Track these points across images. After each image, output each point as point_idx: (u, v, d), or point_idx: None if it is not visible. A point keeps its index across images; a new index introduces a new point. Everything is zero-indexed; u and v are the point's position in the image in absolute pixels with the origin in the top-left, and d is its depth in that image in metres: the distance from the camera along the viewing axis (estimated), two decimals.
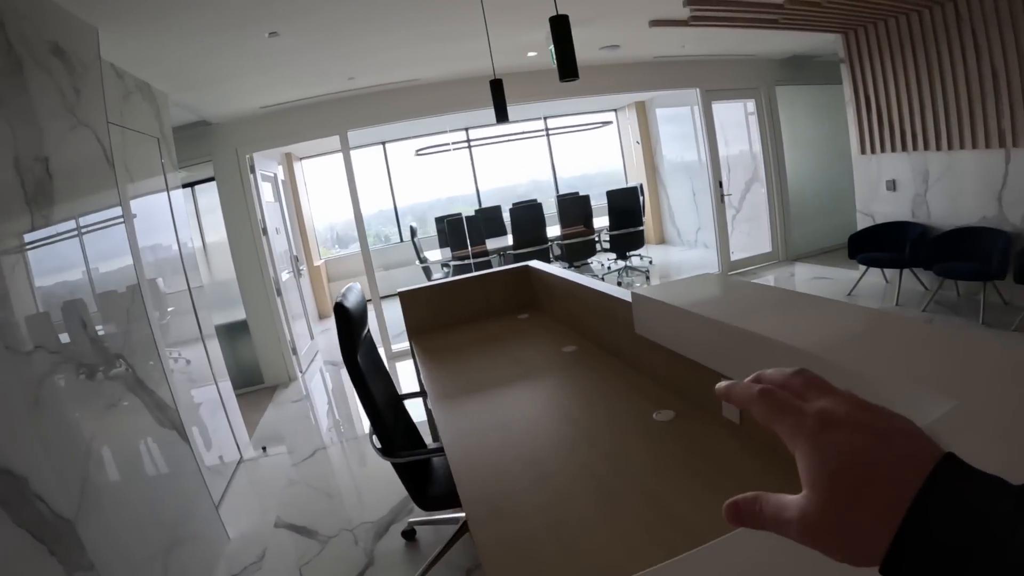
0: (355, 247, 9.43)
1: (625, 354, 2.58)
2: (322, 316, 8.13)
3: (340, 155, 5.68)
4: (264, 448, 4.12)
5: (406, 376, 5.28)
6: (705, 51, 6.72)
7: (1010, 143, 4.79)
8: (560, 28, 2.13)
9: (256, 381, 5.52)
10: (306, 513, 3.29)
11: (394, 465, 2.21)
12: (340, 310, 2.08)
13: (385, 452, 2.15)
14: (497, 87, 3.51)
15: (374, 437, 2.29)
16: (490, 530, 1.48)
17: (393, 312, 5.81)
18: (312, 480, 3.67)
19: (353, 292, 2.32)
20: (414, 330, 3.56)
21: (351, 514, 3.22)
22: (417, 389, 3.80)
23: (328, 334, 7.33)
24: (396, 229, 9.10)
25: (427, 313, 3.60)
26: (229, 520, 3.13)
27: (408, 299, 3.59)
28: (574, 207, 7.94)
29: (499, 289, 3.78)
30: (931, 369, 1.26)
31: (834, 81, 8.49)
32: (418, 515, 3.07)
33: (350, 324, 2.10)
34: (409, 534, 2.95)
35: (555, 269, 3.63)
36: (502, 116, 3.56)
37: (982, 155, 5.07)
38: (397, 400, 2.68)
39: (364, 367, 2.17)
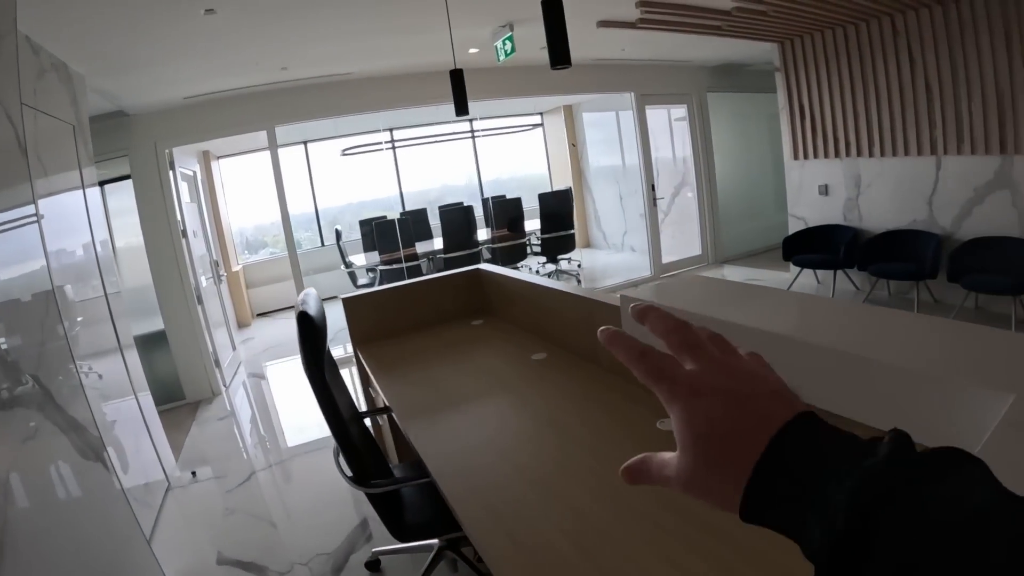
0: (265, 253, 8.97)
1: (606, 360, 2.44)
2: (241, 325, 7.63)
3: (258, 154, 5.33)
4: (193, 473, 3.68)
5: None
6: (642, 55, 6.73)
7: (941, 151, 4.97)
8: (553, 12, 1.96)
9: (176, 397, 5.01)
10: (250, 546, 2.92)
11: (369, 495, 1.95)
12: (304, 319, 1.81)
13: (358, 480, 1.89)
14: (457, 78, 3.30)
15: (342, 462, 2.03)
16: (513, 563, 1.31)
17: (328, 316, 5.52)
18: (252, 507, 3.28)
19: (313, 298, 2.05)
20: (360, 339, 3.31)
21: (302, 545, 2.87)
22: (362, 403, 3.59)
23: (249, 344, 6.86)
24: (316, 232, 8.65)
25: (373, 320, 3.36)
26: (164, 558, 2.73)
27: (352, 305, 3.34)
28: (505, 210, 7.79)
29: (449, 294, 3.59)
30: (967, 361, 1.28)
31: (763, 89, 8.76)
32: (380, 543, 2.79)
33: (315, 334, 1.84)
34: (373, 565, 2.66)
35: (515, 273, 3.47)
36: (462, 109, 3.35)
37: (914, 162, 5.24)
38: (360, 419, 2.41)
39: (329, 383, 1.91)
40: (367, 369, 2.85)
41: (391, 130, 8.12)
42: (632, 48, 6.10)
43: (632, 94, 7.50)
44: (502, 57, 4.53)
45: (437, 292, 3.54)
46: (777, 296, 2.15)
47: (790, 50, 6.04)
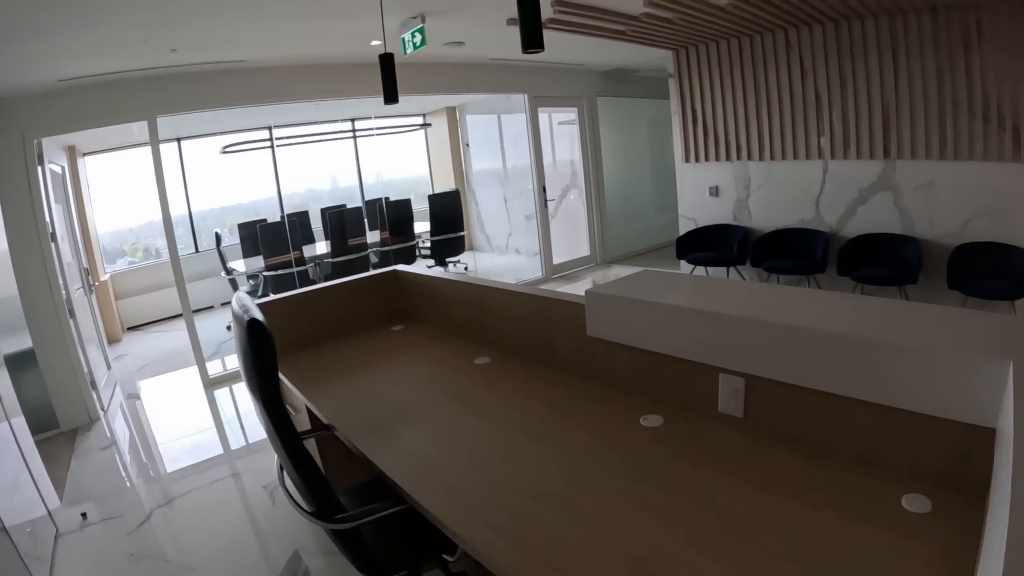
0: (125, 263, 8.18)
1: (563, 361, 2.36)
2: (112, 340, 6.87)
3: (127, 152, 4.78)
4: (84, 515, 3.17)
5: (242, 409, 4.55)
6: (540, 57, 6.72)
7: (828, 156, 5.31)
8: None
9: (50, 425, 4.33)
10: None
11: (333, 532, 1.72)
12: (256, 330, 1.52)
13: (322, 515, 1.66)
14: (387, 63, 3.08)
15: (295, 494, 1.80)
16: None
17: (205, 329, 5.06)
18: (161, 550, 2.84)
19: (253, 304, 1.77)
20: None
21: None
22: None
23: (123, 362, 6.18)
24: (190, 237, 7.94)
25: (283, 330, 3.03)
26: None
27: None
28: (394, 212, 7.54)
29: (364, 298, 3.38)
30: (956, 336, 1.42)
31: (650, 95, 9.08)
32: None
33: (271, 349, 1.59)
34: None
35: (442, 273, 3.31)
36: (391, 96, 3.13)
37: (802, 165, 5.56)
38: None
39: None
40: (286, 383, 2.59)
41: (270, 128, 7.61)
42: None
43: (526, 96, 7.51)
44: (409, 51, 4.32)
45: (350, 297, 3.32)
46: (750, 287, 2.14)
47: (684, 58, 6.24)
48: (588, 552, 1.27)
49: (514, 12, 4.38)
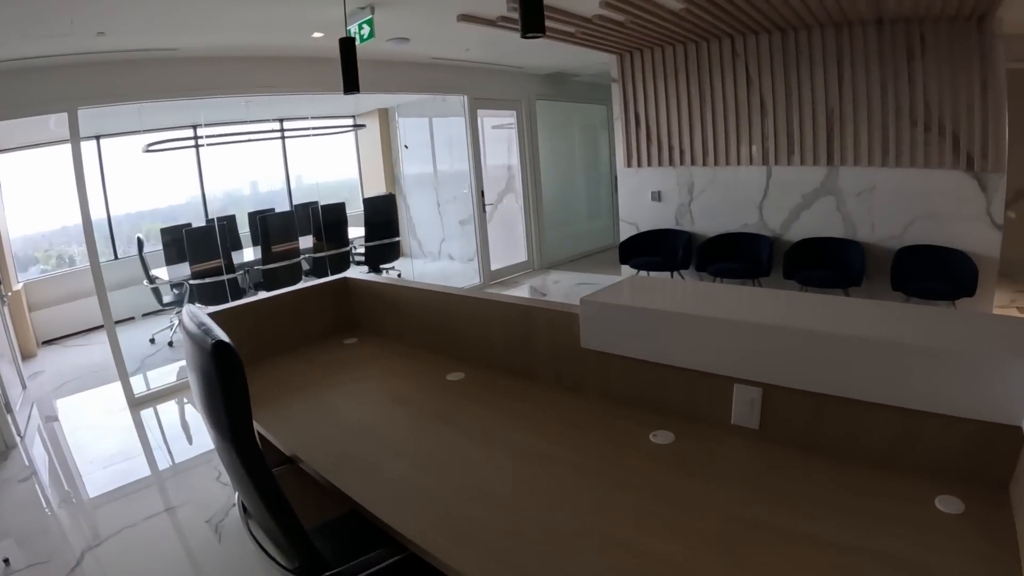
0: (37, 271, 7.49)
1: (550, 375, 2.20)
2: (26, 356, 6.22)
3: (38, 151, 4.30)
4: (6, 560, 2.72)
5: (171, 431, 4.16)
6: (482, 58, 6.57)
7: (772, 161, 5.39)
8: None
9: None
10: None
11: None
12: (224, 353, 1.24)
13: (307, 573, 1.42)
14: (348, 48, 2.84)
15: (268, 549, 1.56)
16: None
17: (127, 342, 4.62)
18: None
19: (208, 318, 1.51)
20: None
21: None
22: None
23: (39, 379, 5.59)
24: (108, 243, 7.31)
25: None
26: None
27: None
28: (327, 216, 7.19)
29: (312, 309, 3.09)
30: (979, 338, 1.45)
31: (589, 100, 9.09)
32: None
33: (243, 378, 1.32)
34: None
35: (404, 281, 3.09)
36: (351, 85, 2.89)
37: (746, 170, 5.63)
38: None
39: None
40: None
41: (195, 127, 7.11)
42: (476, 49, 5.91)
43: (465, 98, 7.33)
44: (357, 44, 4.07)
45: (296, 308, 3.02)
46: (749, 292, 2.05)
47: (628, 62, 6.23)
48: None
49: (466, 8, 4.29)
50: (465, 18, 4.41)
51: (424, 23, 4.65)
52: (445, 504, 1.47)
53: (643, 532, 1.30)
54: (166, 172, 7.54)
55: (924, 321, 1.64)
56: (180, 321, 1.50)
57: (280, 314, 2.94)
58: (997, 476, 1.32)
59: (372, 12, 3.85)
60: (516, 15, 4.18)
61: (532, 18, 1.70)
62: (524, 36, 1.75)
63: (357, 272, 6.84)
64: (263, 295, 3.09)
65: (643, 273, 6.64)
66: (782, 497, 1.39)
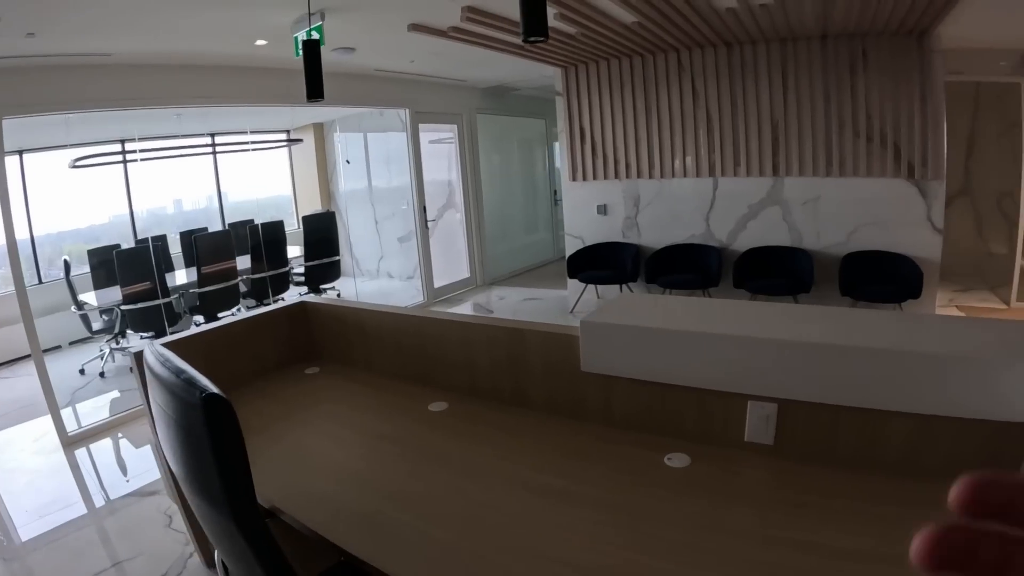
0: None
1: (545, 401, 2.08)
2: None
3: None
4: None
5: (110, 473, 3.80)
6: (427, 70, 6.45)
7: (718, 173, 5.46)
8: None
9: None
10: None
11: None
12: (219, 409, 1.05)
13: None
14: (312, 52, 2.66)
15: None
16: None
17: (54, 374, 4.20)
18: None
19: (179, 360, 1.32)
20: None
21: None
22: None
23: None
24: (33, 265, 6.70)
25: None
26: None
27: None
28: (266, 235, 6.87)
29: (266, 337, 2.84)
30: (986, 343, 1.50)
31: (529, 114, 9.08)
32: None
33: (241, 438, 1.11)
34: None
35: (372, 305, 2.90)
36: (315, 91, 2.71)
37: (692, 182, 5.70)
38: None
39: None
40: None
41: (122, 141, 6.66)
42: (421, 61, 5.78)
43: (407, 111, 7.18)
44: (300, 53, 3.86)
45: (250, 337, 2.77)
46: (765, 308, 1.99)
47: (574, 76, 6.22)
48: None
49: (417, 18, 4.16)
50: (416, 28, 4.29)
51: (373, 32, 4.50)
52: (458, 553, 1.34)
53: (684, 566, 1.22)
54: (92, 189, 7.03)
55: (929, 328, 1.69)
56: (145, 363, 1.30)
57: (233, 344, 2.69)
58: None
59: (322, 18, 3.67)
60: (472, 26, 4.14)
61: (533, 21, 1.59)
62: (525, 41, 1.64)
63: (293, 293, 6.57)
64: (218, 324, 2.83)
65: (592, 287, 6.63)
66: (814, 511, 1.38)
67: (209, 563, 2.51)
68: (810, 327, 1.73)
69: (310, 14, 3.46)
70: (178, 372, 1.17)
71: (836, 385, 1.54)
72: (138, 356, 2.14)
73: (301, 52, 3.46)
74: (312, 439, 2.03)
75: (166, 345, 2.45)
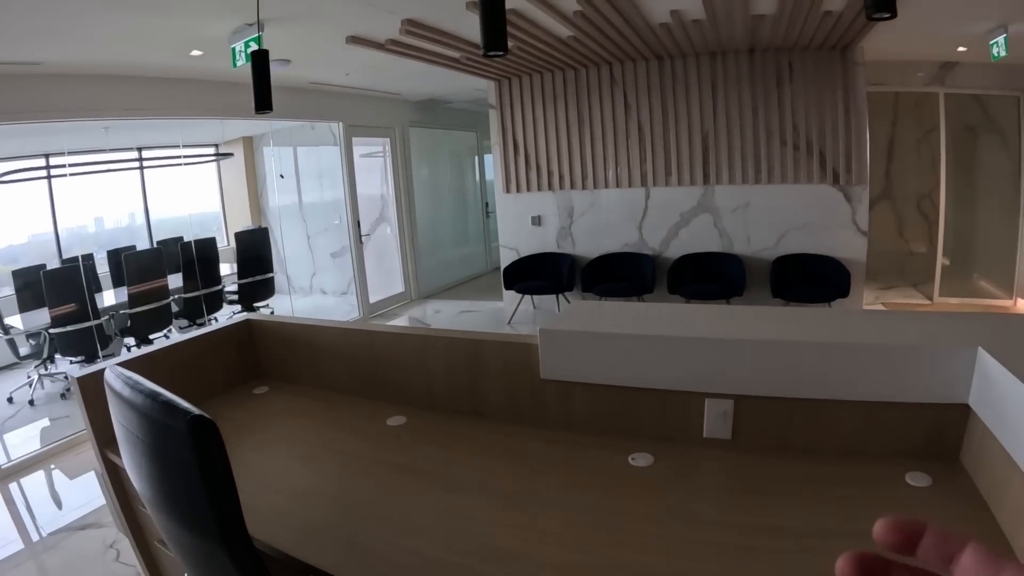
0: None
1: (503, 410, 2.09)
2: None
3: None
4: None
5: (47, 508, 3.58)
6: (361, 83, 6.40)
7: (651, 183, 5.63)
8: None
9: None
10: None
11: None
12: (209, 432, 1.02)
13: None
14: (260, 61, 2.60)
15: None
16: None
17: None
18: None
19: (149, 383, 1.27)
20: (106, 438, 2.13)
21: None
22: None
23: None
24: None
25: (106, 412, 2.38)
26: None
27: (91, 386, 2.26)
28: (197, 252, 6.64)
29: (209, 358, 2.71)
30: (925, 331, 1.67)
31: (457, 126, 9.11)
32: None
33: (228, 464, 1.07)
34: None
35: (318, 320, 2.85)
36: (263, 103, 2.64)
37: (625, 192, 5.84)
38: None
39: None
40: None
41: (47, 155, 6.32)
42: (356, 74, 5.74)
43: (340, 124, 7.11)
44: (240, 62, 3.77)
45: (192, 359, 2.63)
46: (718, 311, 2.06)
47: (507, 88, 6.29)
48: None
49: (355, 30, 4.13)
50: (355, 40, 4.26)
51: (310, 44, 4.44)
52: (436, 565, 1.33)
53: (669, 556, 1.26)
54: (13, 207, 6.64)
55: (867, 322, 1.83)
56: (109, 386, 1.25)
57: (176, 366, 2.57)
58: (953, 449, 1.51)
59: (261, 30, 3.59)
60: (410, 39, 4.14)
61: (494, 36, 1.62)
62: (485, 55, 1.65)
63: (226, 311, 6.37)
64: (158, 347, 2.70)
65: (528, 297, 6.69)
66: (777, 497, 1.46)
67: None
68: (759, 326, 1.83)
69: (258, 23, 3.38)
70: (153, 395, 1.12)
71: (787, 379, 1.63)
72: (84, 380, 2.04)
73: (250, 62, 3.36)
74: (269, 460, 1.96)
75: (93, 375, 2.33)
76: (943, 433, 1.51)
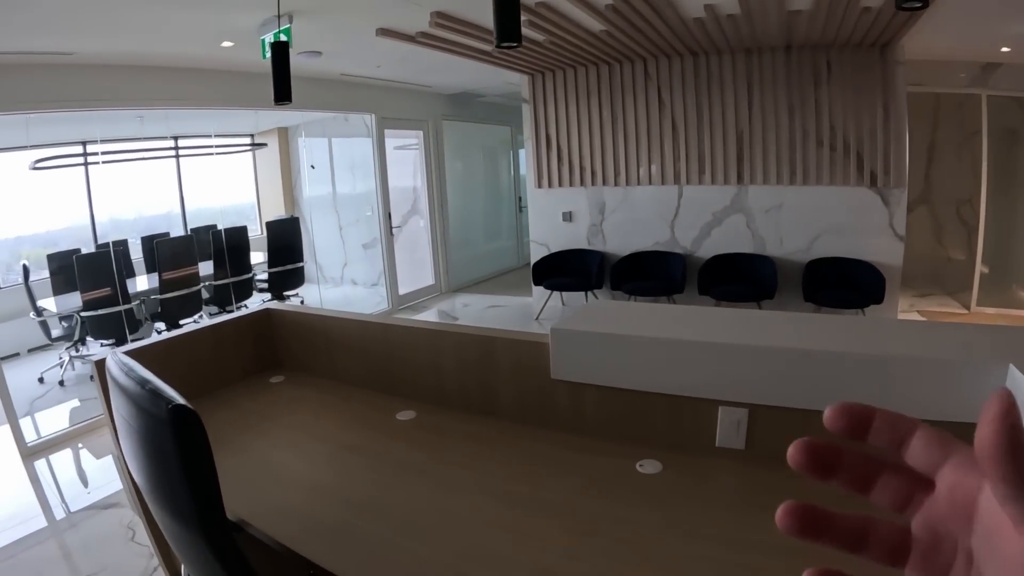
0: None
1: (514, 409, 2.06)
2: None
3: None
4: None
5: (71, 486, 3.67)
6: (393, 76, 6.41)
7: (684, 181, 5.53)
8: None
9: None
10: None
11: None
12: (189, 421, 1.03)
13: None
14: (280, 53, 2.61)
15: None
16: None
17: (12, 383, 4.04)
18: None
19: (144, 369, 1.27)
20: None
21: None
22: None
23: None
24: None
25: None
26: None
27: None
28: (230, 241, 6.73)
29: (229, 346, 2.75)
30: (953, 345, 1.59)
31: (491, 120, 9.08)
32: None
33: (209, 449, 1.08)
34: None
35: (337, 312, 2.85)
36: (283, 94, 2.65)
37: (657, 190, 5.75)
38: None
39: None
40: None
41: (84, 143, 6.48)
42: (387, 66, 5.75)
43: (373, 117, 7.13)
44: (268, 55, 3.79)
45: (213, 345, 2.67)
46: (736, 315, 2.01)
47: (540, 83, 6.24)
48: None
49: (385, 22, 4.13)
50: (384, 32, 4.26)
51: (340, 36, 4.45)
52: (432, 565, 1.31)
53: (663, 568, 1.23)
54: (52, 192, 6.83)
55: (893, 332, 1.75)
56: (108, 373, 1.26)
57: (196, 353, 2.61)
58: None
59: (291, 21, 3.61)
60: (440, 32, 4.12)
61: (508, 26, 1.58)
62: (499, 46, 1.62)
63: (256, 299, 6.45)
64: (178, 332, 2.75)
65: (557, 294, 6.65)
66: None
67: None
68: (778, 332, 1.76)
69: (279, 16, 3.40)
70: (142, 382, 1.13)
71: (805, 389, 1.56)
72: (100, 364, 2.06)
73: (269, 54, 3.42)
74: (279, 451, 1.97)
75: (128, 353, 2.37)
76: None
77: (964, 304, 5.87)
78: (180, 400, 1.05)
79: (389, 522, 1.49)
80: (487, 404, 2.13)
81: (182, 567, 1.52)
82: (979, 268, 5.68)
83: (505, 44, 1.59)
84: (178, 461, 1.03)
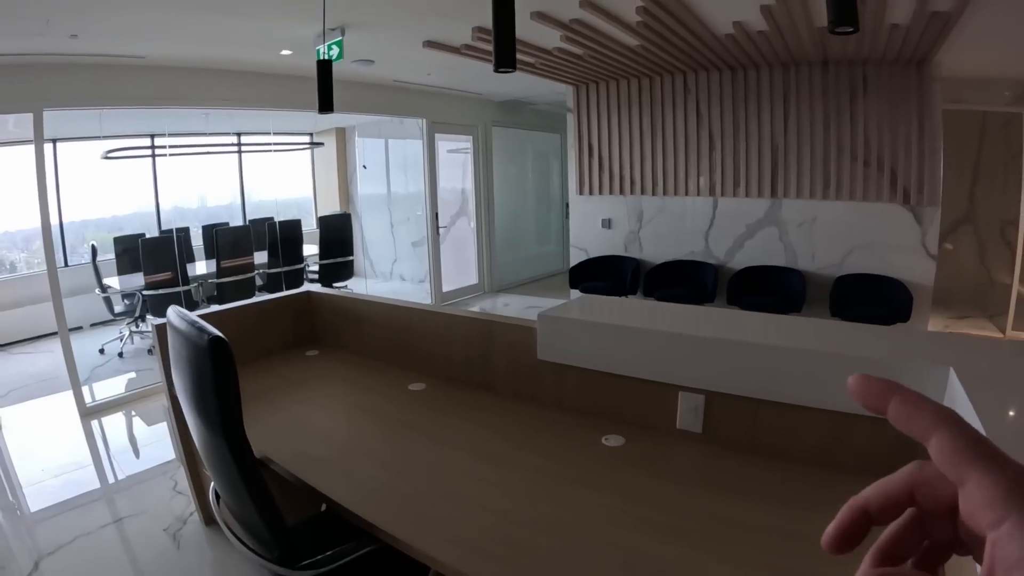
0: None
1: (507, 386, 2.31)
2: None
3: None
4: None
5: (123, 443, 4.07)
6: (443, 83, 6.71)
7: (719, 193, 5.63)
8: (503, 5, 1.76)
9: None
10: None
11: None
12: (220, 348, 1.35)
13: (286, 562, 1.48)
14: (324, 69, 2.94)
15: (239, 535, 1.60)
16: None
17: (76, 352, 4.47)
18: None
19: (193, 315, 1.57)
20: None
21: None
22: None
23: None
24: (61, 249, 7.05)
25: None
26: None
27: (166, 333, 2.70)
28: (284, 233, 7.15)
29: (272, 321, 3.12)
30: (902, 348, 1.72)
31: (541, 128, 9.30)
32: None
33: (235, 371, 1.39)
34: None
35: (365, 295, 3.15)
36: (326, 105, 2.97)
37: (693, 201, 5.87)
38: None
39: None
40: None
41: (152, 136, 7.02)
42: (437, 74, 6.04)
43: (424, 121, 7.45)
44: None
45: (258, 320, 3.05)
46: (694, 310, 2.19)
47: (584, 94, 6.44)
48: (580, 563, 1.26)
49: (431, 35, 4.41)
50: (430, 45, 4.53)
51: (390, 47, 4.75)
52: (416, 501, 1.56)
53: (601, 522, 1.41)
54: (120, 180, 7.39)
55: (851, 334, 1.87)
56: (168, 321, 1.57)
57: (243, 325, 2.95)
58: None
59: (343, 34, 3.93)
60: (482, 44, 4.37)
61: (505, 53, 1.80)
62: (497, 70, 1.84)
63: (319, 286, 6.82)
64: (227, 306, 3.11)
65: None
66: (730, 493, 1.53)
67: (208, 521, 2.76)
68: (740, 328, 1.93)
69: (324, 31, 3.72)
70: (192, 323, 1.46)
71: (756, 380, 1.70)
72: (160, 328, 2.39)
73: (336, 61, 3.76)
74: (304, 408, 2.28)
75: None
76: (911, 450, 1.54)
77: (1000, 328, 5.77)
78: (217, 333, 1.37)
79: (386, 467, 1.76)
80: (487, 380, 2.38)
81: (211, 495, 1.80)
82: (1016, 290, 5.56)
83: (502, 70, 1.81)
84: (212, 378, 1.35)
